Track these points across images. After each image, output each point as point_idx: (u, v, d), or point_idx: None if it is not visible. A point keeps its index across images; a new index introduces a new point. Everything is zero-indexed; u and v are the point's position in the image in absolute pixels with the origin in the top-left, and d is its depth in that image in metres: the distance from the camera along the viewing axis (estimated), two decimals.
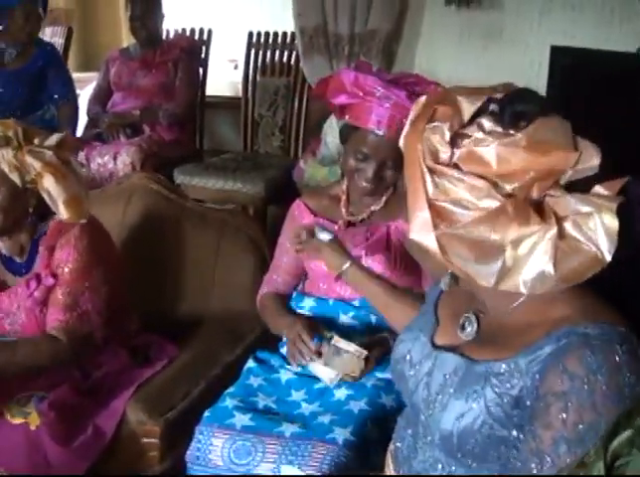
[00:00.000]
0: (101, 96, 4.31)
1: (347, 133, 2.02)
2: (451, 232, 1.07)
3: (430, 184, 1.09)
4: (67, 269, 2.05)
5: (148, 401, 2.06)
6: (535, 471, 1.10)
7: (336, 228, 2.09)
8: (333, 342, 1.87)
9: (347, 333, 1.99)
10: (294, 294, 2.19)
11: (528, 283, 1.06)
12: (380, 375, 1.97)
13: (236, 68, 5.54)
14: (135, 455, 2.03)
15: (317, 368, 1.92)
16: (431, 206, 1.09)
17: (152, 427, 2.01)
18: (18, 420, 1.96)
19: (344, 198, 2.13)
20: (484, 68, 3.77)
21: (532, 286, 1.06)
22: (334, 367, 1.86)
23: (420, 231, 1.09)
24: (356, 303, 2.07)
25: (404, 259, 2.02)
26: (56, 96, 4.03)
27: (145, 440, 2.02)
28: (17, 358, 2.00)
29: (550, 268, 1.04)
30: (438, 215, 1.08)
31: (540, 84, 2.90)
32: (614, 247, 1.04)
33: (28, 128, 2.03)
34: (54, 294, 2.05)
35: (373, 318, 2.04)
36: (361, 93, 1.92)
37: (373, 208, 2.08)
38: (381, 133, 1.91)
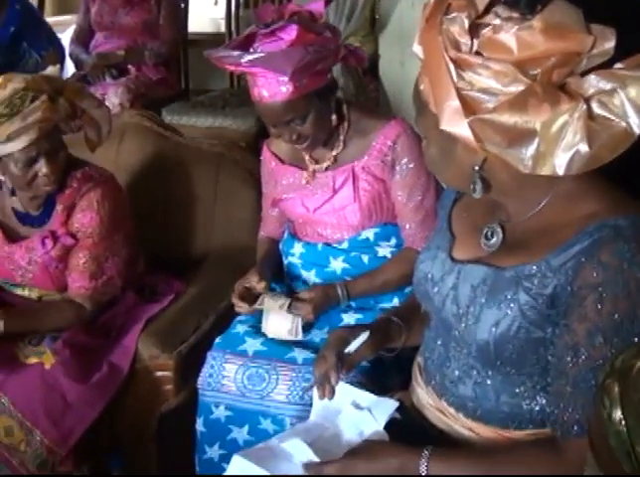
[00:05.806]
0: (83, 37, 4.18)
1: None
2: (483, 117, 1.05)
3: (455, 75, 1.07)
4: (89, 235, 2.02)
5: (160, 336, 2.08)
6: (570, 365, 1.12)
7: (304, 181, 2.02)
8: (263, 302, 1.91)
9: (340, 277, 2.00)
10: (285, 235, 2.12)
11: (563, 165, 1.05)
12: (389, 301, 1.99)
13: (216, 3, 5.43)
14: (150, 390, 2.06)
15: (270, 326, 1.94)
16: (459, 96, 1.07)
17: (166, 361, 2.04)
18: (32, 360, 1.98)
19: None
20: None
21: (567, 167, 1.04)
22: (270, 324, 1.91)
23: (451, 120, 1.07)
24: (345, 246, 2.01)
25: (374, 198, 1.96)
26: (43, 53, 3.76)
27: (159, 374, 2.05)
28: (43, 325, 2.04)
29: (584, 147, 1.03)
30: (467, 105, 1.06)
31: None
32: None
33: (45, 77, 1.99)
34: (74, 258, 2.03)
35: (365, 258, 2.00)
36: (236, 67, 1.82)
37: (334, 152, 1.99)
38: (267, 101, 1.81)
